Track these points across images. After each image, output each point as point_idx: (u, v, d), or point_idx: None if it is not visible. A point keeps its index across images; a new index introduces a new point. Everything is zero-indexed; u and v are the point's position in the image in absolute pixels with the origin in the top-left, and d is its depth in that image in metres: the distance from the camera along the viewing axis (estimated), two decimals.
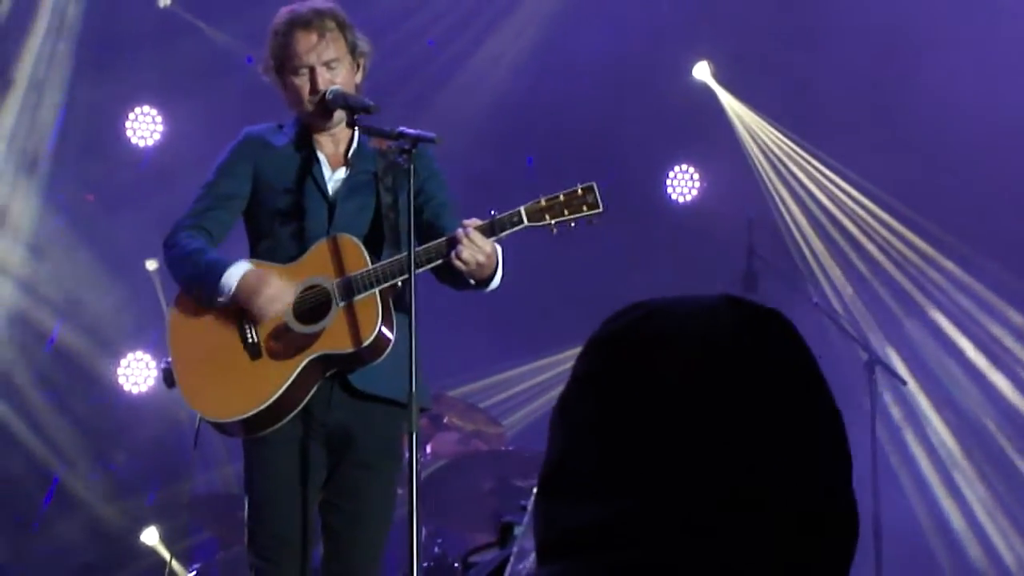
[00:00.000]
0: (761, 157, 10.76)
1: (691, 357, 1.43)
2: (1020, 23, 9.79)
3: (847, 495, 1.46)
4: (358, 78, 5.32)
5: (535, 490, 1.52)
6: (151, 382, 9.82)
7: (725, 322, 1.47)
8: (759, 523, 1.38)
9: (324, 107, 5.20)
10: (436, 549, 8.06)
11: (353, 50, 5.30)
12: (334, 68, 5.22)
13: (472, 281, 5.07)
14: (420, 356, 4.83)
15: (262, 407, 5.03)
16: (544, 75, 10.34)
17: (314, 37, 5.21)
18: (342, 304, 5.05)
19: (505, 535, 3.76)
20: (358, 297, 5.05)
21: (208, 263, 5.12)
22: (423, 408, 5.04)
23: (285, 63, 5.25)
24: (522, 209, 5.10)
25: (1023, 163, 9.68)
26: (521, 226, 5.09)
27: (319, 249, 5.14)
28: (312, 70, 5.19)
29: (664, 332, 1.46)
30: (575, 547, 1.41)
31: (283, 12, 5.34)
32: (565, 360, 10.63)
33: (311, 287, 5.10)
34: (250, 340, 5.11)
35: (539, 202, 5.13)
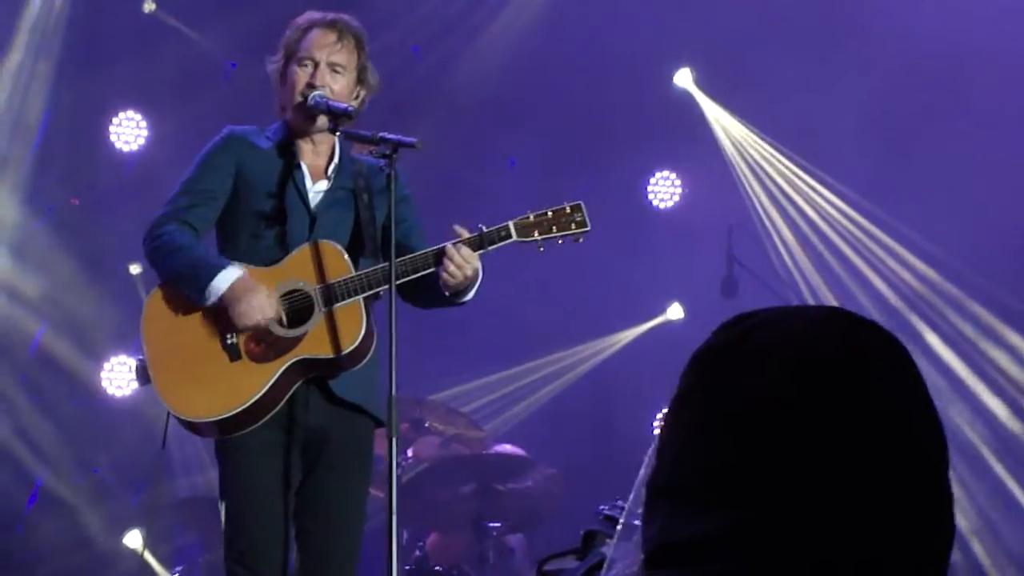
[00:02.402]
0: (742, 164, 10.80)
1: (790, 374, 1.44)
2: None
3: (948, 508, 1.47)
4: (354, 104, 5.28)
5: (643, 499, 1.55)
6: (134, 385, 9.83)
7: (827, 339, 1.47)
8: (862, 540, 1.39)
9: (307, 111, 5.20)
10: (417, 552, 8.10)
11: (361, 72, 5.32)
12: (338, 72, 5.22)
13: (447, 293, 5.11)
14: (397, 368, 4.78)
15: (240, 409, 4.98)
16: (526, 81, 10.38)
17: (332, 37, 5.24)
18: (324, 310, 5.04)
19: (587, 544, 3.81)
20: (340, 304, 5.04)
21: (198, 261, 5.06)
22: (380, 423, 5.13)
23: (295, 54, 5.25)
24: (511, 224, 5.16)
25: (1013, 172, 9.69)
26: (509, 241, 5.15)
27: (302, 253, 5.11)
28: (316, 65, 5.21)
29: (764, 347, 1.47)
30: (681, 557, 1.44)
31: (311, 11, 5.38)
32: (546, 365, 10.68)
33: (292, 291, 5.08)
34: (229, 341, 5.06)
35: (527, 217, 5.18)
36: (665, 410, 1.55)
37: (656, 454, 1.52)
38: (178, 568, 8.44)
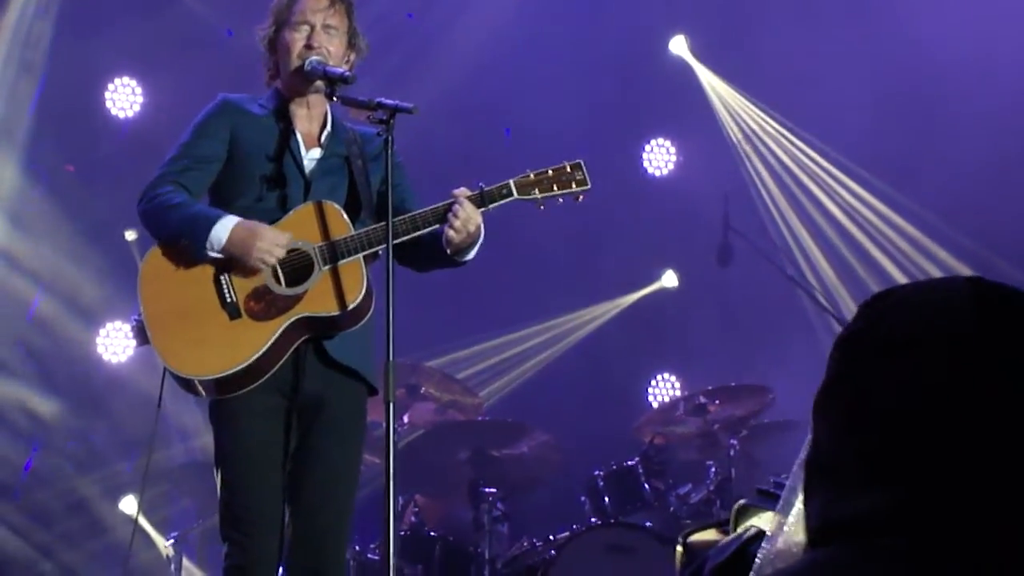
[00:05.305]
0: (737, 131, 10.80)
1: (931, 352, 1.48)
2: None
3: None
4: (347, 68, 5.27)
5: (801, 477, 1.60)
6: (130, 352, 9.84)
7: (967, 313, 1.50)
8: (1013, 520, 1.42)
9: (304, 75, 5.20)
10: (412, 518, 8.13)
11: (352, 37, 5.33)
12: (332, 35, 5.23)
13: (449, 251, 5.12)
14: (395, 334, 4.78)
15: (240, 367, 4.97)
16: (522, 47, 10.35)
17: (324, 1, 5.26)
18: (325, 268, 5.04)
19: (739, 517, 3.82)
20: (342, 262, 5.04)
21: (196, 214, 5.06)
22: (373, 392, 5.16)
23: (287, 19, 5.26)
24: (511, 182, 5.18)
25: (1016, 145, 9.67)
26: (510, 199, 5.18)
27: (300, 213, 5.11)
28: (312, 28, 5.22)
29: (903, 329, 1.51)
30: (844, 533, 1.48)
31: None
32: (542, 332, 10.68)
33: (291, 251, 5.06)
34: (228, 299, 5.05)
35: (528, 176, 5.21)
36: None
37: (812, 435, 1.57)
38: (173, 534, 8.45)
